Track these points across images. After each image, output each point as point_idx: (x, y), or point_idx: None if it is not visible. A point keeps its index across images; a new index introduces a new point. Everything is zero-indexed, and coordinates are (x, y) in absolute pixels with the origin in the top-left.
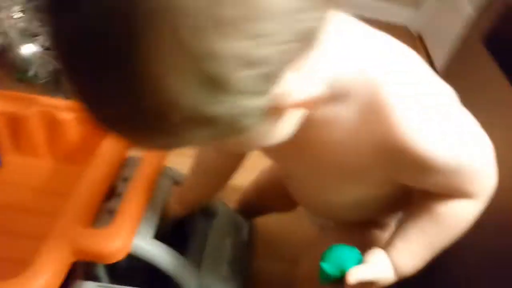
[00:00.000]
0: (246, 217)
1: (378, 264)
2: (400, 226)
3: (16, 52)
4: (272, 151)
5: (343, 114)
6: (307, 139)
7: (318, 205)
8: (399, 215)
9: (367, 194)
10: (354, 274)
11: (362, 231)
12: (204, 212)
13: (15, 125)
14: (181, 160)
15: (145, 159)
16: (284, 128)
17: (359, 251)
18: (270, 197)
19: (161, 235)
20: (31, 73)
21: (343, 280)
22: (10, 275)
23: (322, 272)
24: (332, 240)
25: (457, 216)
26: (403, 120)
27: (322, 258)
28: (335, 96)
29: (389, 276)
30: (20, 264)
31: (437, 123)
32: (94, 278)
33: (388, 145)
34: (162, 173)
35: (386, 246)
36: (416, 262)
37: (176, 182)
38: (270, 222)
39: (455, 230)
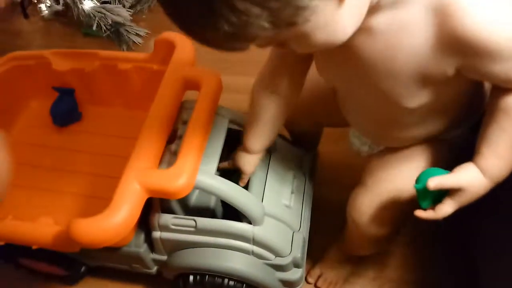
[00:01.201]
0: (295, 138)
1: (462, 172)
2: (480, 133)
3: (79, 8)
4: (332, 66)
5: (406, 17)
6: (367, 48)
7: (373, 125)
8: (459, 131)
9: (425, 103)
10: (435, 180)
11: (421, 150)
12: None
13: (86, 79)
14: (233, 97)
15: (199, 101)
16: (347, 20)
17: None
18: (317, 111)
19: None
20: (94, 27)
21: (439, 197)
22: (94, 210)
23: (418, 193)
24: (391, 163)
25: None
26: (470, 10)
27: (416, 181)
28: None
29: (479, 182)
30: (102, 200)
31: (503, 10)
32: (170, 211)
33: (454, 35)
34: (217, 112)
35: (472, 156)
36: (506, 163)
37: (231, 120)
38: (331, 151)
39: None
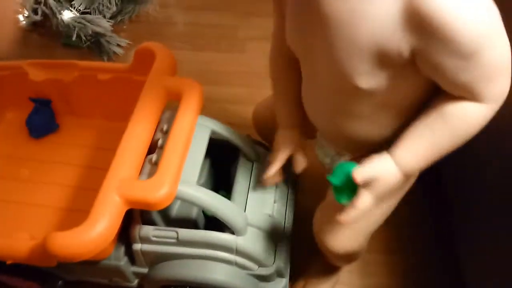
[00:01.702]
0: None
1: (377, 162)
2: (407, 129)
3: (58, 19)
4: (299, 30)
5: None
6: (335, 8)
7: (328, 114)
8: None
9: (377, 91)
10: (359, 173)
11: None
12: (246, 156)
13: (64, 90)
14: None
15: (180, 112)
16: None
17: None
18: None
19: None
20: (74, 37)
21: (354, 192)
22: (72, 223)
23: (334, 188)
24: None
25: (465, 118)
26: None
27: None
28: None
29: (392, 173)
30: (80, 213)
31: (480, 4)
32: (151, 222)
33: (419, 11)
34: (198, 122)
35: (391, 147)
36: (419, 160)
37: (213, 130)
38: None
39: (461, 133)
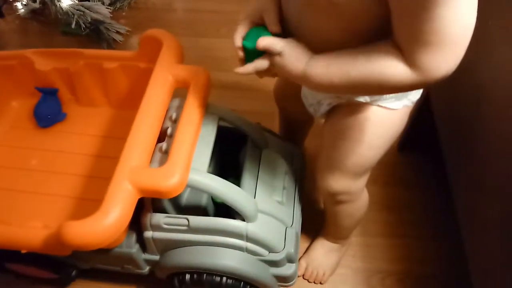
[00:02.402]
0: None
1: (292, 42)
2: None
3: (56, 6)
4: None
5: None
6: None
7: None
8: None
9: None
10: (264, 40)
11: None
12: (254, 143)
13: (70, 79)
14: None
15: (189, 100)
16: None
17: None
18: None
19: None
20: (73, 25)
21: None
22: (84, 212)
23: (245, 51)
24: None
25: (387, 71)
26: None
27: (244, 38)
28: None
29: (297, 60)
30: (92, 202)
31: None
32: (162, 210)
33: None
34: (207, 110)
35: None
36: (325, 72)
37: (221, 117)
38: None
39: (374, 81)
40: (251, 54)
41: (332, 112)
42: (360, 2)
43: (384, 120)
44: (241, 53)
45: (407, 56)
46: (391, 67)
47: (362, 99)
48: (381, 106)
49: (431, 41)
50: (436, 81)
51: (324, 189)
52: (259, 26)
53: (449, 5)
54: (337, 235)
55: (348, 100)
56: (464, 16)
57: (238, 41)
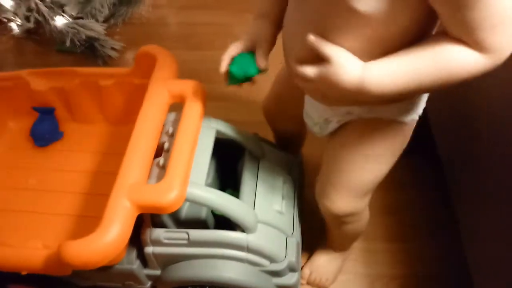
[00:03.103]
0: (280, 140)
1: (343, 50)
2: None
3: (51, 25)
4: None
5: None
6: None
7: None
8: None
9: (373, 14)
10: (314, 38)
11: (363, 129)
12: (252, 153)
13: (66, 98)
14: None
15: (185, 114)
16: None
17: None
18: (291, 106)
19: None
20: (68, 43)
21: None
22: (84, 229)
23: (230, 74)
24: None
25: (458, 61)
26: None
27: (231, 63)
28: None
29: (351, 69)
30: (91, 219)
31: None
32: (161, 225)
33: None
34: (203, 123)
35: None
36: (390, 77)
37: (218, 130)
38: (316, 154)
39: (447, 73)
40: (234, 79)
41: (340, 129)
42: (391, 9)
43: (396, 134)
44: (223, 72)
45: (474, 44)
46: (463, 59)
47: (375, 114)
48: (393, 120)
49: (494, 23)
50: (505, 59)
51: (329, 211)
52: (249, 54)
53: None
54: (340, 247)
55: (360, 116)
56: None
57: (224, 64)
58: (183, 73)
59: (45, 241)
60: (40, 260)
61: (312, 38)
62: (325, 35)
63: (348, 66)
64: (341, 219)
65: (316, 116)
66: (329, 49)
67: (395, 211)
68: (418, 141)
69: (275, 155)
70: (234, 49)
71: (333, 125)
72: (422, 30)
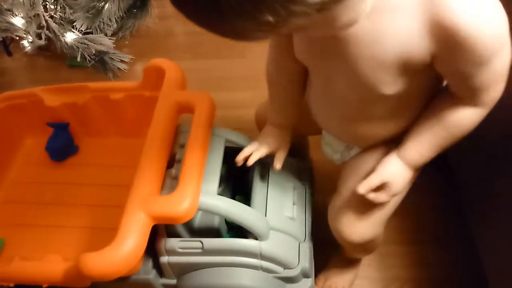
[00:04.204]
0: None
1: (384, 168)
2: (411, 129)
3: (61, 41)
4: (314, 49)
5: (393, 1)
6: (353, 29)
7: (341, 121)
8: None
9: (398, 92)
10: (364, 185)
11: (385, 151)
12: (261, 161)
13: (79, 112)
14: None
15: (194, 125)
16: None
17: None
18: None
19: None
20: (78, 58)
21: None
22: (101, 241)
23: None
24: (358, 171)
25: (462, 123)
26: (458, 4)
27: None
28: None
29: (402, 172)
30: (107, 230)
31: (490, 12)
32: (176, 234)
33: (443, 25)
34: (213, 133)
35: (397, 148)
36: (423, 156)
37: (227, 139)
38: (325, 159)
39: (458, 134)
40: None
41: (362, 153)
42: (416, 94)
43: None
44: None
45: (473, 101)
46: (466, 118)
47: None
48: None
49: (489, 84)
50: None
51: (348, 239)
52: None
53: (499, 55)
54: (353, 255)
55: (384, 140)
56: (507, 57)
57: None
58: (191, 82)
59: (63, 254)
60: (61, 273)
61: (361, 189)
62: (353, 113)
63: (396, 174)
64: (361, 247)
65: (336, 144)
66: (377, 180)
67: (406, 213)
68: None
69: (285, 161)
70: (259, 154)
71: (355, 150)
72: (435, 86)
